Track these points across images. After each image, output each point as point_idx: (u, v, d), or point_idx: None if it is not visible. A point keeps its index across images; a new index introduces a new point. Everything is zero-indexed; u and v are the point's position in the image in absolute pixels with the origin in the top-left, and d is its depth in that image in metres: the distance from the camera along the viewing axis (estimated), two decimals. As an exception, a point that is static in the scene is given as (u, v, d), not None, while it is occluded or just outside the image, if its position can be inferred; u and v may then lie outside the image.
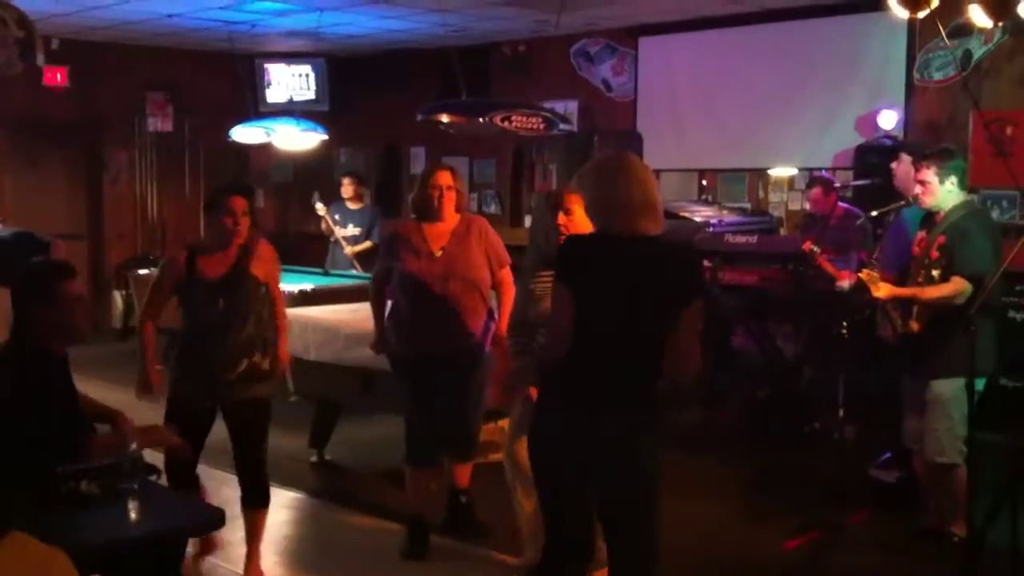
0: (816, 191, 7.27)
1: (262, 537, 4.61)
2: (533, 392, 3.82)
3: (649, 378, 3.28)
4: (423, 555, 4.87)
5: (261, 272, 4.48)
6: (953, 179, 4.63)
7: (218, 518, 3.37)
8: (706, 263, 6.87)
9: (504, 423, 5.09)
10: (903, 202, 5.27)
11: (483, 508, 5.11)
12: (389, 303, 4.99)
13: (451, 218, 4.85)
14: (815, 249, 5.33)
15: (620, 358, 3.26)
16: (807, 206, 8.35)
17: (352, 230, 9.15)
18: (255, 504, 4.55)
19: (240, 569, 4.63)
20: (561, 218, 4.15)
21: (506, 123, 7.68)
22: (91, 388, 3.92)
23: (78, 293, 3.58)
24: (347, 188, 9.32)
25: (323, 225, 9.17)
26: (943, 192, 4.64)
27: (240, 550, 4.85)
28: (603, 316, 3.27)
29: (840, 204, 7.05)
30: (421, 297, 4.76)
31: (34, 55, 6.88)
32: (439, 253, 4.79)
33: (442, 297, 4.75)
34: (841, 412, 6.18)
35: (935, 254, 4.60)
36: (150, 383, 4.47)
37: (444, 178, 4.81)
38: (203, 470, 4.67)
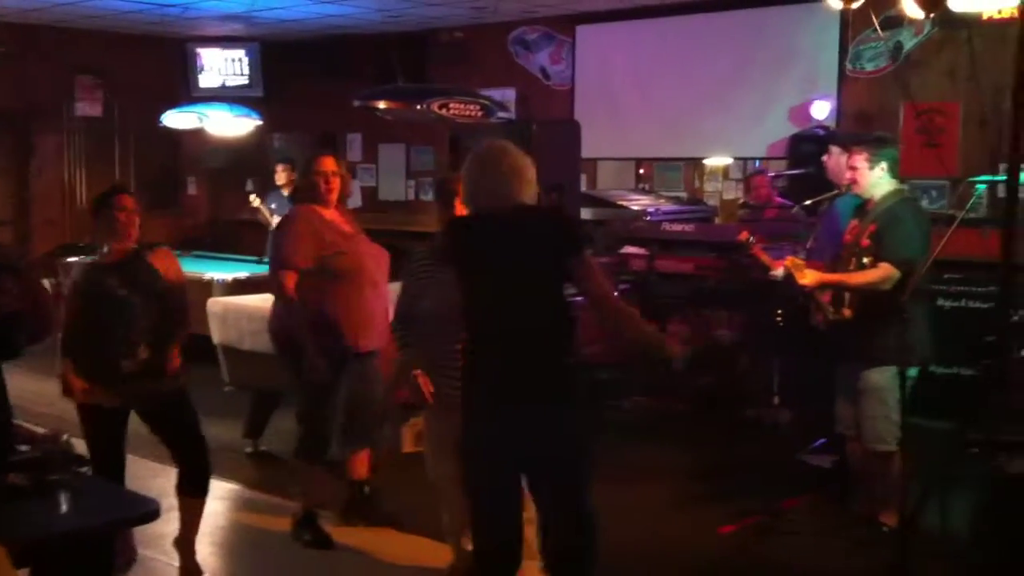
0: (762, 178, 7.35)
1: (199, 527, 4.54)
2: (424, 383, 3.90)
3: (559, 351, 3.32)
4: (331, 541, 4.87)
5: (161, 266, 4.36)
6: (884, 165, 4.70)
7: (153, 510, 3.31)
8: (644, 251, 6.93)
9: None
10: (835, 191, 5.33)
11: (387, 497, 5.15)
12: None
13: (335, 205, 4.82)
14: (750, 239, 5.38)
15: (524, 336, 3.28)
16: (742, 196, 8.46)
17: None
18: (196, 492, 4.45)
19: (175, 561, 4.56)
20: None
21: (444, 110, 7.65)
22: (13, 376, 3.82)
23: (9, 286, 3.49)
24: (281, 175, 9.23)
25: (259, 216, 9.07)
26: (874, 179, 4.70)
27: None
28: (493, 295, 3.30)
29: (777, 198, 7.14)
30: (365, 283, 4.70)
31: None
32: (358, 237, 4.78)
33: (370, 287, 4.73)
34: (776, 399, 6.27)
35: (866, 242, 4.66)
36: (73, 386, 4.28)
37: (328, 164, 4.77)
38: (133, 460, 4.58)
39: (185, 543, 4.49)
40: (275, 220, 8.95)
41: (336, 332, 4.68)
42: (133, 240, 4.31)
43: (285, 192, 9.18)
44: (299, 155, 11.91)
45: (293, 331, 4.71)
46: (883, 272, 4.55)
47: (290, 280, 4.68)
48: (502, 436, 3.30)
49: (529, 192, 3.37)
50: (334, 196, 4.79)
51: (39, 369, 6.66)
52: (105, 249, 4.32)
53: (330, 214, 4.79)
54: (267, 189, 9.24)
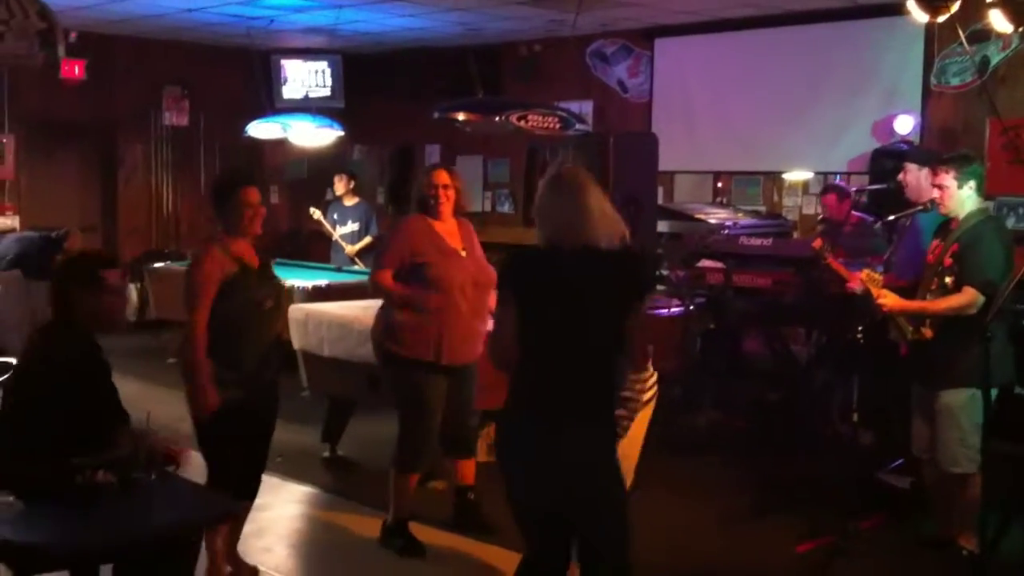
0: (830, 197, 7.27)
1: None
2: None
3: (604, 389, 3.35)
4: (424, 549, 4.88)
5: None
6: (972, 184, 4.61)
7: (232, 509, 3.39)
8: (720, 265, 6.88)
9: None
10: (918, 207, 5.24)
11: (487, 505, 5.12)
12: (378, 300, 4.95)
13: (450, 218, 4.87)
14: (825, 247, 5.32)
15: (574, 371, 3.29)
16: (821, 211, 8.36)
17: (351, 226, 9.24)
18: (249, 495, 4.44)
19: (250, 560, 4.64)
20: None
21: (522, 122, 7.68)
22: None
23: (118, 282, 3.63)
24: (339, 185, 9.47)
25: (323, 228, 9.28)
26: (961, 197, 4.61)
27: (253, 543, 4.88)
28: (551, 330, 3.30)
29: (854, 212, 7.05)
30: (457, 299, 4.72)
31: (55, 47, 6.90)
32: (464, 253, 4.81)
33: (472, 300, 4.76)
34: (855, 416, 6.17)
35: (948, 261, 4.57)
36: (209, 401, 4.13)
37: (441, 177, 4.82)
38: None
39: (232, 543, 4.49)
40: (338, 230, 9.12)
41: (424, 340, 4.73)
42: (254, 236, 4.31)
43: (346, 202, 9.34)
44: (377, 166, 12.14)
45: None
46: (967, 297, 4.46)
47: (382, 276, 4.79)
48: (544, 457, 3.29)
49: (602, 227, 3.32)
50: (445, 208, 4.83)
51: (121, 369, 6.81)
52: (226, 242, 4.24)
53: (440, 226, 4.83)
54: (326, 202, 9.43)
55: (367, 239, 9.16)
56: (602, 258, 3.32)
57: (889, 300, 4.65)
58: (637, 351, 3.40)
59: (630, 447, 3.81)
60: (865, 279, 4.72)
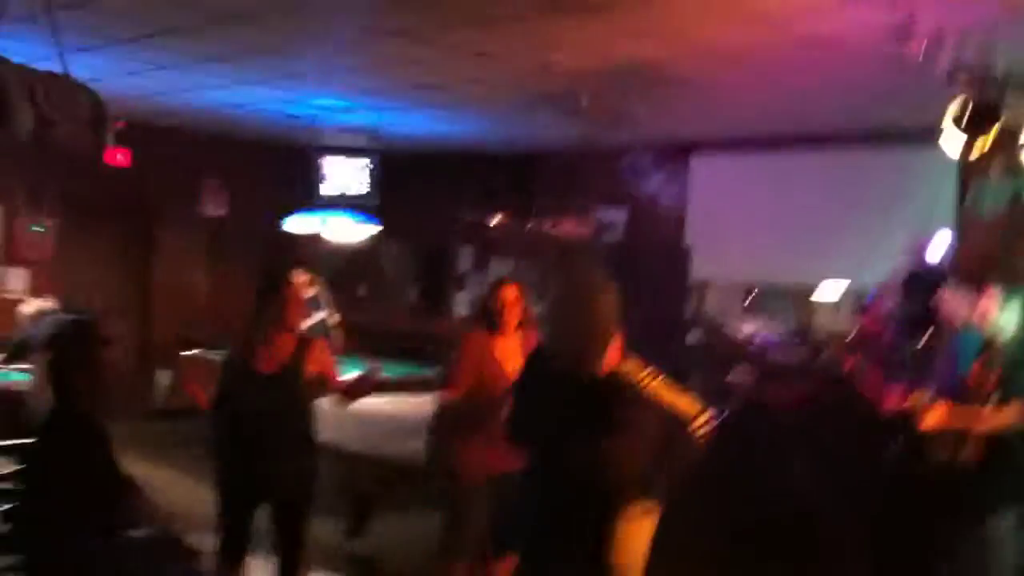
0: (871, 313, 7.28)
1: None
2: None
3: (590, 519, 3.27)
4: None
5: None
6: (1016, 305, 4.60)
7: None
8: (749, 379, 6.87)
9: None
10: (952, 331, 5.21)
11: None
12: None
13: (515, 333, 4.87)
14: (859, 366, 5.31)
15: (562, 486, 3.27)
16: (851, 329, 8.34)
17: (319, 314, 9.28)
18: None
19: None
20: None
21: (553, 228, 7.79)
22: (135, 466, 3.96)
23: (112, 359, 3.67)
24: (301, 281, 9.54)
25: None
26: (1003, 317, 4.60)
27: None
28: (540, 439, 3.31)
29: (889, 334, 7.04)
30: (492, 419, 4.73)
31: (104, 135, 7.07)
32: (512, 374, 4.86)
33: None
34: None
35: (991, 387, 4.52)
36: None
37: (508, 293, 4.85)
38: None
39: None
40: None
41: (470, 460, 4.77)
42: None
43: (309, 293, 9.45)
44: (410, 264, 12.24)
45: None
46: (1017, 412, 4.37)
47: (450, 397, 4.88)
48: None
49: (603, 340, 3.25)
50: (510, 324, 4.88)
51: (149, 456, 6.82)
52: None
53: (500, 343, 4.86)
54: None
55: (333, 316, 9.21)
56: (587, 387, 3.25)
57: (932, 418, 4.49)
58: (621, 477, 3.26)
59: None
60: (915, 404, 4.59)
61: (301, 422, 4.53)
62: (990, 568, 4.44)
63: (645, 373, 3.32)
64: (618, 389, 3.28)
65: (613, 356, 3.26)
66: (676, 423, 3.99)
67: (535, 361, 3.50)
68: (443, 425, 4.89)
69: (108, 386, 3.72)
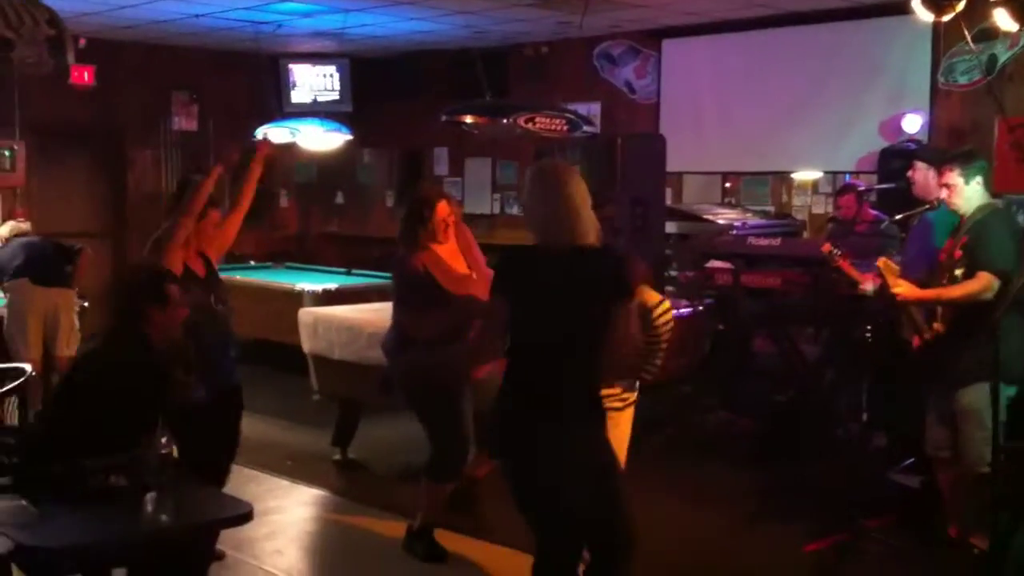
0: (848, 197, 7.29)
1: None
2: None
3: (593, 386, 3.47)
4: (446, 554, 4.89)
5: None
6: (978, 180, 4.61)
7: (246, 513, 3.40)
8: (729, 266, 6.89)
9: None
10: (926, 206, 5.25)
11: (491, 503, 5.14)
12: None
13: (452, 238, 4.99)
14: (835, 251, 5.34)
15: (565, 368, 3.40)
16: (831, 210, 8.36)
17: None
18: None
19: (265, 565, 4.67)
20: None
21: (529, 124, 7.70)
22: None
23: (180, 296, 3.91)
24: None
25: None
26: (968, 194, 4.62)
27: (264, 546, 4.91)
28: (541, 328, 3.40)
29: (870, 211, 7.06)
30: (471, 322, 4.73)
31: (65, 55, 6.93)
32: (474, 276, 4.89)
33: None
34: (864, 416, 6.16)
35: (958, 254, 4.57)
36: None
37: (443, 210, 4.89)
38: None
39: None
40: None
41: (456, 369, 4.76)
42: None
43: None
44: (386, 169, 12.16)
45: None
46: (981, 283, 4.42)
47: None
48: (543, 447, 3.38)
49: (589, 223, 3.43)
50: (450, 235, 4.96)
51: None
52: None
53: (443, 250, 4.91)
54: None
55: None
56: (589, 258, 3.42)
57: (904, 289, 4.65)
58: (617, 340, 3.43)
59: (617, 445, 3.86)
60: (882, 267, 4.71)
61: None
62: (975, 435, 4.51)
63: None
64: (620, 256, 3.58)
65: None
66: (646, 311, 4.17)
67: (515, 260, 3.53)
68: (428, 340, 4.88)
69: (175, 323, 3.90)
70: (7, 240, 7.87)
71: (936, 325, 4.67)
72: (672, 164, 7.96)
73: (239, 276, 8.92)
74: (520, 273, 3.47)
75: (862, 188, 7.45)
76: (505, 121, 7.74)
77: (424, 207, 4.90)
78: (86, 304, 7.80)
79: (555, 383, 3.39)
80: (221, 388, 4.54)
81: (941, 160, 4.80)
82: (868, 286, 5.22)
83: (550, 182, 3.47)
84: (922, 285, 4.75)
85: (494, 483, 5.01)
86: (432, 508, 4.93)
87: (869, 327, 5.86)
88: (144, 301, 3.81)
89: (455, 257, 4.95)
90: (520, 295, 3.42)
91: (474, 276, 4.89)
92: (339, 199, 12.56)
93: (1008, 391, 4.40)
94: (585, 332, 3.38)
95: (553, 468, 3.36)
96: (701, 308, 6.79)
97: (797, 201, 9.13)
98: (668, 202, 8.47)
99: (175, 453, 3.69)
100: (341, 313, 6.66)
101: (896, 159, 7.48)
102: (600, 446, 3.50)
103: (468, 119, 7.96)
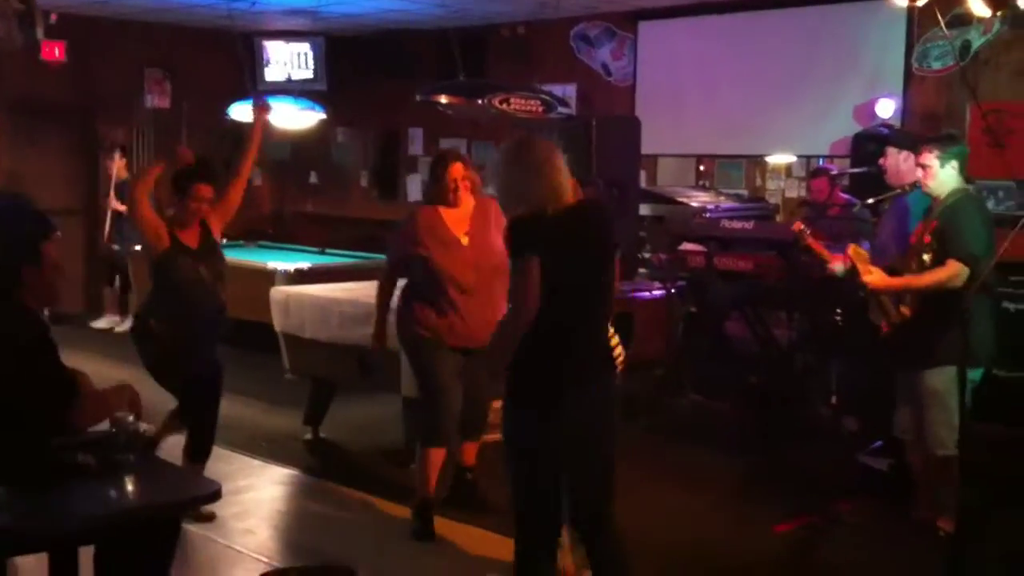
0: (821, 180, 7.31)
1: None
2: None
3: (606, 335, 3.65)
4: (433, 535, 4.87)
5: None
6: (954, 164, 4.63)
7: (214, 492, 3.38)
8: (702, 248, 6.90)
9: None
10: (899, 190, 5.27)
11: (485, 485, 5.14)
12: (399, 288, 5.02)
13: (468, 204, 4.90)
14: (804, 229, 5.36)
15: (592, 322, 3.55)
16: (804, 194, 8.39)
17: None
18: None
19: (235, 544, 4.65)
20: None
21: (504, 105, 7.69)
22: (89, 365, 3.94)
23: (58, 256, 3.57)
24: (118, 164, 9.85)
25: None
26: (942, 177, 4.64)
27: (235, 525, 4.89)
28: (575, 283, 3.47)
29: (841, 195, 7.08)
30: (453, 287, 4.75)
31: (34, 29, 6.85)
32: (465, 240, 4.82)
33: (474, 286, 4.77)
34: (834, 399, 6.20)
35: (928, 238, 4.59)
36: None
37: (457, 170, 4.85)
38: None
39: None
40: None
41: (425, 325, 4.81)
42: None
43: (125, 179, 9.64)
44: (361, 149, 12.10)
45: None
46: (950, 270, 4.45)
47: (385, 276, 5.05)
48: (576, 412, 3.45)
49: (569, 184, 3.56)
50: (463, 197, 4.89)
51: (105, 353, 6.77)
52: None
53: (453, 213, 4.87)
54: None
55: None
56: (591, 212, 3.62)
57: (874, 277, 4.67)
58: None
59: None
60: (852, 254, 4.73)
61: None
62: (936, 418, 4.58)
63: None
64: (602, 205, 3.92)
65: None
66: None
67: (532, 222, 3.48)
68: (408, 297, 4.89)
69: (53, 283, 3.63)
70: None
71: (903, 308, 4.69)
72: (647, 147, 7.96)
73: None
74: (544, 232, 3.45)
75: (834, 172, 7.47)
76: (480, 102, 7.73)
77: (438, 165, 4.92)
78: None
79: (587, 335, 3.51)
80: (207, 358, 4.82)
81: (922, 141, 4.81)
82: (838, 266, 5.25)
83: (537, 156, 3.52)
84: (893, 269, 4.78)
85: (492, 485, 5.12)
86: (422, 475, 4.89)
87: (839, 310, 5.89)
88: (14, 260, 3.45)
89: (461, 223, 4.87)
90: (552, 251, 3.42)
91: (464, 242, 4.83)
92: (313, 178, 12.50)
93: (973, 375, 4.45)
94: (608, 281, 3.57)
95: (583, 418, 3.44)
96: (673, 291, 6.81)
97: (771, 185, 9.16)
98: (643, 184, 8.47)
99: (146, 431, 3.65)
100: (313, 292, 6.62)
101: (869, 143, 7.51)
102: (614, 403, 3.61)
103: (443, 99, 7.94)
